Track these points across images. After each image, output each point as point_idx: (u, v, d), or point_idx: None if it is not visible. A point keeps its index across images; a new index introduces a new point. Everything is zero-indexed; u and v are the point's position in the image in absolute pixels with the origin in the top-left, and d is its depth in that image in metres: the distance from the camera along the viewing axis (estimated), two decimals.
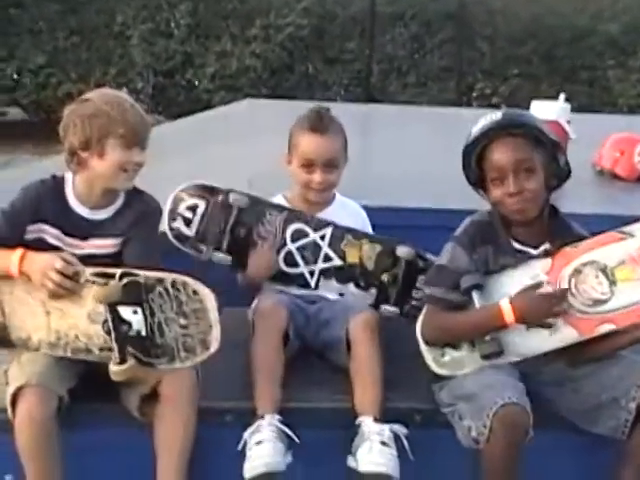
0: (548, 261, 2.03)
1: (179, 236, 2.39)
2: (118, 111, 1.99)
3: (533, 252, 2.07)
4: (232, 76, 9.14)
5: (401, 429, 2.01)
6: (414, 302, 2.41)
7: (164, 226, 2.35)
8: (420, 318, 2.15)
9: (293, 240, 2.44)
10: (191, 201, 2.42)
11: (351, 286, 2.44)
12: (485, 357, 2.01)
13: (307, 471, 2.04)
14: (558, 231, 2.10)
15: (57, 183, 2.07)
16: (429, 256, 2.42)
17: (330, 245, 2.44)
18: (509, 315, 1.97)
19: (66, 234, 2.04)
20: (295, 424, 2.02)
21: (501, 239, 2.08)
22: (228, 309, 2.42)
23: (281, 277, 2.43)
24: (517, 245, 2.08)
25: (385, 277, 2.43)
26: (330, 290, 2.43)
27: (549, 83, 8.91)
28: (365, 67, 8.58)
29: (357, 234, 2.46)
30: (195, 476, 2.02)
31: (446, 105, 7.56)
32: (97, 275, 1.92)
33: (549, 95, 4.06)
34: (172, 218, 2.40)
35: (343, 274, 2.44)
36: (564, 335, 2.00)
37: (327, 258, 2.45)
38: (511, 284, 2.04)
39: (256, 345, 2.18)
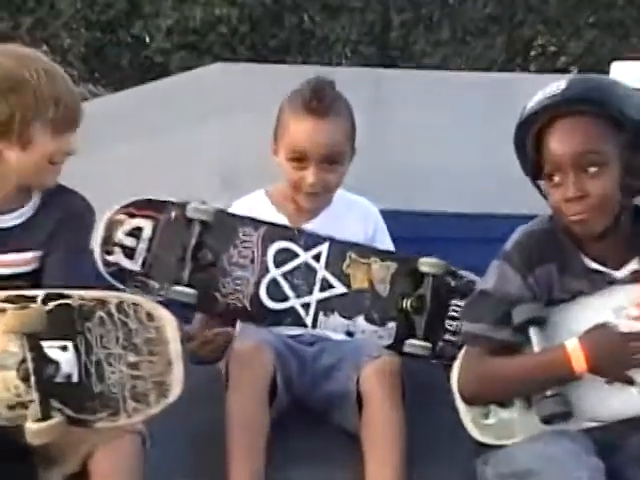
0: (637, 288, 2.02)
1: (119, 273, 2.40)
2: (47, 82, 1.99)
3: (615, 274, 2.06)
4: (196, 31, 9.19)
5: None
6: (448, 336, 2.44)
7: (96, 261, 2.37)
8: (457, 364, 2.16)
9: (278, 264, 2.47)
10: (132, 223, 2.44)
11: (361, 320, 2.46)
12: (546, 420, 2.00)
13: None
14: None
15: None
16: (463, 273, 2.46)
17: (328, 267, 2.47)
18: (579, 362, 1.96)
19: None
20: None
21: (569, 255, 2.07)
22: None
23: (264, 315, 2.45)
24: (591, 264, 2.06)
25: (406, 303, 2.45)
26: (333, 328, 2.46)
27: (638, 36, 8.98)
28: (380, 18, 8.63)
29: (363, 250, 2.48)
30: None
31: (493, 69, 7.61)
32: (8, 300, 1.89)
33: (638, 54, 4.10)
34: (106, 251, 2.41)
35: (349, 305, 2.46)
36: None
37: (325, 285, 2.48)
38: (585, 319, 2.02)
39: (231, 402, 2.20)
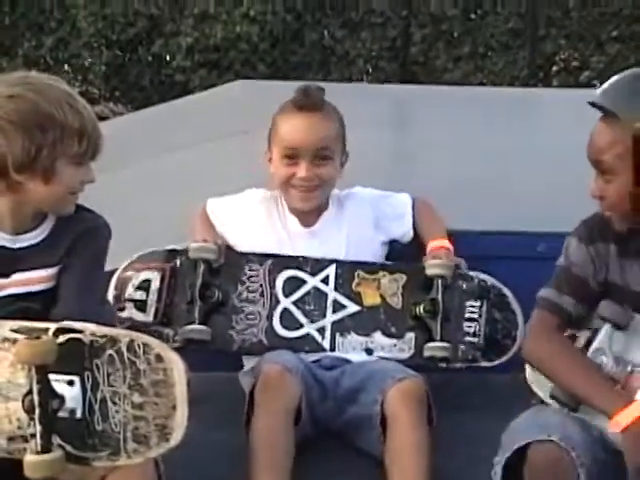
0: None
1: (133, 327, 2.40)
2: (73, 117, 1.97)
3: None
4: (217, 48, 9.22)
5: None
6: (469, 338, 2.46)
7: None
8: (528, 330, 2.22)
9: (287, 294, 2.51)
10: (140, 277, 2.50)
11: (378, 336, 2.48)
12: (553, 397, 2.08)
13: None
14: None
15: None
16: (473, 273, 2.50)
17: (338, 289, 2.51)
18: (620, 422, 1.96)
19: None
20: None
21: (631, 240, 2.11)
22: (208, 374, 2.47)
23: (281, 346, 2.46)
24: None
25: (419, 309, 2.48)
26: (352, 347, 2.48)
27: None
28: (401, 33, 8.64)
29: (371, 266, 2.52)
30: None
31: (515, 84, 7.60)
32: (20, 331, 1.86)
33: None
34: (119, 308, 2.47)
35: (364, 323, 2.49)
36: None
37: (337, 307, 2.51)
38: None
39: (257, 424, 2.20)
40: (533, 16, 8.90)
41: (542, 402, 2.15)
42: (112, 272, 2.45)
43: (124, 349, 1.84)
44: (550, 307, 2.15)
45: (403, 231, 2.65)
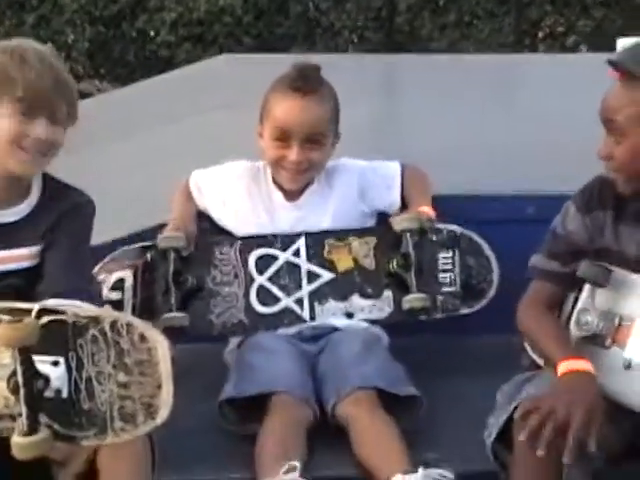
0: None
1: None
2: (18, 64, 1.99)
3: None
4: (201, 22, 9.18)
5: (446, 474, 2.00)
6: (446, 289, 2.49)
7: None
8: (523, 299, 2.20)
9: (261, 272, 2.52)
10: (113, 278, 2.51)
11: (356, 298, 2.50)
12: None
13: None
14: None
15: None
16: (441, 226, 2.52)
17: (310, 260, 2.52)
18: (562, 368, 1.98)
19: None
20: None
21: (627, 204, 2.11)
22: (198, 345, 2.54)
23: (262, 321, 2.48)
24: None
25: (393, 265, 2.50)
26: (332, 314, 2.49)
27: None
28: (387, 3, 8.61)
29: (340, 234, 2.53)
30: None
31: (501, 51, 7.57)
32: (2, 312, 1.85)
33: None
34: None
35: (340, 288, 2.51)
36: None
37: (312, 277, 2.52)
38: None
39: (268, 432, 2.17)
40: None
41: (534, 365, 2.16)
42: (96, 247, 2.44)
43: (107, 329, 1.85)
44: (540, 275, 2.16)
45: (390, 202, 2.63)
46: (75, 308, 1.88)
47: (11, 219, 2.08)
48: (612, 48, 3.22)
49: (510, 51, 7.75)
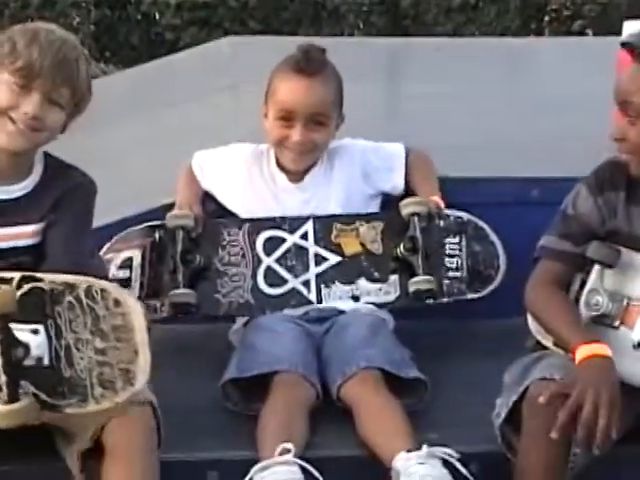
0: None
1: None
2: (24, 40, 2.02)
3: None
4: (206, 5, 9.15)
5: (450, 452, 2.01)
6: (452, 274, 2.50)
7: None
8: (531, 278, 2.20)
9: (268, 253, 2.53)
10: (121, 257, 2.52)
11: (363, 282, 2.51)
12: (556, 344, 2.09)
13: None
14: None
15: None
16: (449, 212, 2.53)
17: (318, 242, 2.53)
18: (581, 353, 1.97)
19: None
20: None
21: (637, 186, 2.12)
22: (204, 326, 2.57)
23: (268, 302, 2.49)
24: None
25: (400, 250, 2.51)
26: (338, 297, 2.50)
27: None
28: None
29: (348, 218, 2.54)
30: None
31: (507, 35, 7.55)
32: None
33: None
34: None
35: (347, 272, 2.52)
36: None
37: (319, 259, 2.53)
38: None
39: (270, 412, 2.17)
40: None
41: (539, 345, 2.16)
42: (105, 226, 2.44)
43: (82, 295, 1.87)
44: (551, 255, 2.16)
45: (393, 184, 2.63)
46: (51, 275, 1.89)
47: (13, 196, 2.09)
48: (618, 32, 3.20)
49: (516, 35, 7.73)
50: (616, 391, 1.91)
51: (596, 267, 2.10)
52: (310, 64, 2.48)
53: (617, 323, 2.08)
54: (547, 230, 2.19)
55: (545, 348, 2.14)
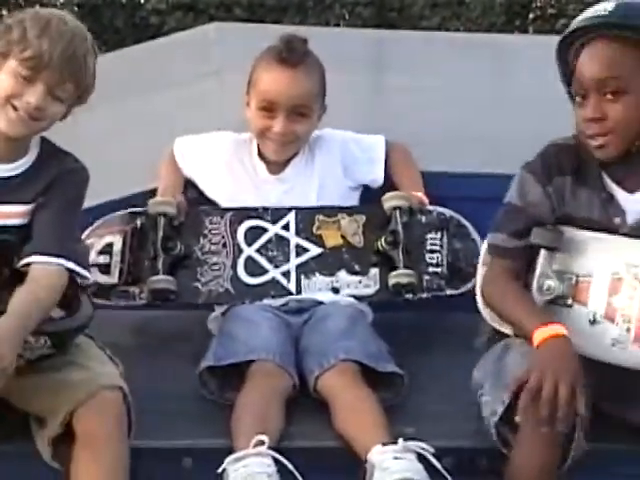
0: None
1: (99, 291, 2.45)
2: (36, 30, 2.01)
3: (628, 196, 2.10)
4: None
5: (425, 447, 2.01)
6: (432, 269, 2.52)
7: None
8: (480, 263, 2.25)
9: (249, 243, 2.54)
10: (102, 242, 2.52)
11: (343, 274, 2.52)
12: (517, 335, 2.11)
13: None
14: None
15: None
16: (431, 207, 2.55)
17: (299, 234, 2.54)
18: (537, 337, 1.99)
19: None
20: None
21: (586, 170, 2.13)
22: (182, 313, 2.59)
23: (248, 292, 2.48)
24: (608, 182, 2.12)
25: (381, 244, 2.52)
26: (318, 289, 2.51)
27: None
28: None
29: (330, 210, 2.55)
30: None
31: (492, 31, 7.55)
32: None
33: None
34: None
35: (328, 263, 2.53)
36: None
37: (300, 250, 2.54)
38: (598, 262, 2.09)
39: (245, 401, 2.17)
40: None
41: (495, 332, 2.20)
42: (86, 210, 2.43)
43: None
44: (502, 254, 2.17)
45: (373, 177, 2.65)
46: None
47: (5, 175, 2.09)
48: None
49: (500, 31, 7.74)
50: (575, 367, 1.92)
51: (542, 252, 2.11)
52: (292, 55, 2.48)
53: (570, 301, 2.10)
54: (494, 226, 2.20)
55: (502, 334, 2.17)
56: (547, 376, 1.89)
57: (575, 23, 2.10)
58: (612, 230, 2.09)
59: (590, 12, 2.08)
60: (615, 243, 2.09)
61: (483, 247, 2.29)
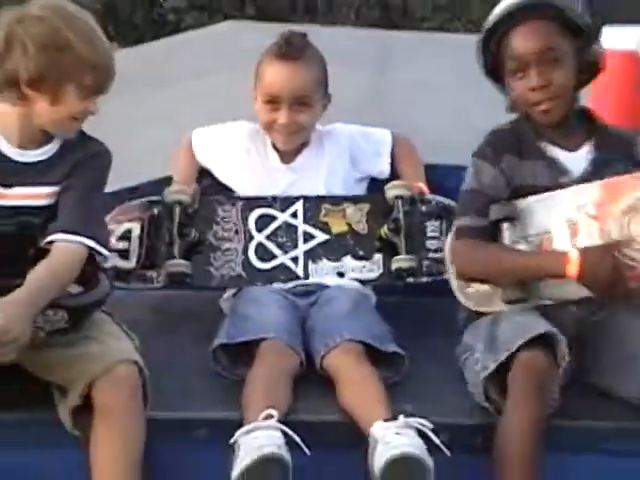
0: (597, 190, 2.13)
1: (118, 275, 2.45)
2: (91, 49, 1.99)
3: (570, 154, 2.22)
4: None
5: (424, 423, 2.01)
6: (432, 254, 2.51)
7: None
8: (450, 249, 2.31)
9: (260, 230, 2.53)
10: (122, 229, 2.51)
11: (348, 260, 2.52)
12: (507, 302, 2.17)
13: None
14: (601, 133, 2.24)
15: None
16: (430, 197, 2.55)
17: (307, 221, 2.54)
18: (572, 269, 2.06)
19: None
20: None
21: (528, 143, 2.23)
22: (197, 293, 2.57)
23: (258, 276, 2.49)
24: (548, 147, 2.23)
25: (384, 231, 2.52)
26: (324, 273, 2.50)
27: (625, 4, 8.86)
28: None
29: (336, 199, 2.55)
30: None
31: None
32: None
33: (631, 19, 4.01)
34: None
35: (334, 249, 2.52)
36: None
37: (308, 237, 2.54)
38: (552, 215, 2.16)
39: (255, 377, 2.16)
40: None
41: (472, 312, 2.26)
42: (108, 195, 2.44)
43: None
44: (470, 233, 2.22)
45: (380, 169, 2.64)
46: None
47: (35, 159, 2.09)
48: None
49: None
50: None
51: (504, 225, 2.18)
52: (291, 49, 2.48)
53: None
54: (459, 212, 2.27)
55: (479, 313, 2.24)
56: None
57: (496, 15, 2.23)
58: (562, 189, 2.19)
59: (507, 2, 2.23)
60: (560, 195, 2.17)
61: (447, 243, 2.35)
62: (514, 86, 2.22)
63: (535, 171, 2.21)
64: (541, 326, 2.06)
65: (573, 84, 2.21)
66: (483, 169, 2.22)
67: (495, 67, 2.26)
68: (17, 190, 2.07)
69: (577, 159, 2.22)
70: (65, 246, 2.02)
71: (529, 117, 2.24)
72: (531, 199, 2.19)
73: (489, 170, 2.22)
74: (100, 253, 2.09)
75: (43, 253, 2.01)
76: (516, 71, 2.19)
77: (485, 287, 2.22)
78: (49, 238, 2.02)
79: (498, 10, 2.24)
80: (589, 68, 2.23)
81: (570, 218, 2.14)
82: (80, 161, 2.10)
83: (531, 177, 2.21)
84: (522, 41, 2.17)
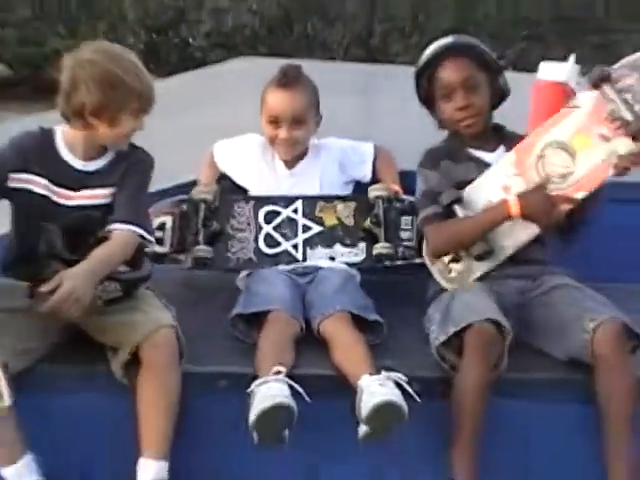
0: (513, 155, 2.23)
1: (155, 257, 2.43)
2: (136, 81, 2.01)
3: (490, 154, 2.32)
4: (227, 34, 9.04)
5: (401, 376, 2.01)
6: (406, 243, 2.50)
7: None
8: (425, 241, 2.34)
9: (267, 222, 2.53)
10: (157, 222, 2.50)
11: (338, 247, 2.51)
12: (478, 257, 2.21)
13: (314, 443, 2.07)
14: (509, 138, 2.36)
15: (45, 135, 2.10)
16: (405, 197, 2.53)
17: (305, 216, 2.53)
18: (515, 208, 2.14)
19: (55, 184, 2.07)
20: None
21: (457, 151, 2.33)
22: (217, 274, 2.55)
23: (266, 260, 2.49)
24: (473, 151, 2.33)
25: (367, 224, 2.51)
26: (319, 257, 2.49)
27: (560, 46, 8.84)
28: (366, 27, 8.50)
29: (329, 198, 2.55)
30: (186, 446, 2.05)
31: None
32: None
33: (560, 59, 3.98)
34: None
35: (326, 238, 2.52)
36: None
37: (306, 228, 2.53)
38: (490, 187, 2.23)
39: (265, 341, 2.14)
40: (462, 19, 8.82)
41: (440, 289, 2.27)
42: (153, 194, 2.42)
43: None
44: (432, 219, 2.26)
45: (363, 174, 2.64)
46: None
47: (94, 168, 2.11)
48: (533, 70, 3.15)
49: None
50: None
51: (456, 207, 2.22)
52: (289, 79, 2.48)
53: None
54: (420, 209, 2.32)
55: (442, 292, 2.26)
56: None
57: (428, 55, 2.33)
58: None
59: (435, 45, 2.33)
60: (489, 173, 2.26)
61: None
62: (444, 109, 2.30)
63: (467, 169, 2.28)
64: (488, 312, 2.05)
65: (488, 106, 2.31)
66: (428, 175, 2.30)
67: (427, 97, 2.34)
68: (83, 192, 2.08)
69: (495, 157, 2.31)
70: (120, 233, 2.04)
71: (457, 132, 2.33)
72: (469, 187, 2.26)
73: (432, 175, 2.29)
74: (148, 240, 2.11)
75: (101, 240, 2.03)
76: (445, 96, 2.28)
77: (461, 265, 2.24)
78: (108, 227, 2.04)
79: (429, 50, 2.33)
80: (499, 94, 2.33)
81: (502, 184, 2.22)
82: (130, 167, 2.11)
83: (464, 174, 2.28)
84: (449, 72, 2.27)
